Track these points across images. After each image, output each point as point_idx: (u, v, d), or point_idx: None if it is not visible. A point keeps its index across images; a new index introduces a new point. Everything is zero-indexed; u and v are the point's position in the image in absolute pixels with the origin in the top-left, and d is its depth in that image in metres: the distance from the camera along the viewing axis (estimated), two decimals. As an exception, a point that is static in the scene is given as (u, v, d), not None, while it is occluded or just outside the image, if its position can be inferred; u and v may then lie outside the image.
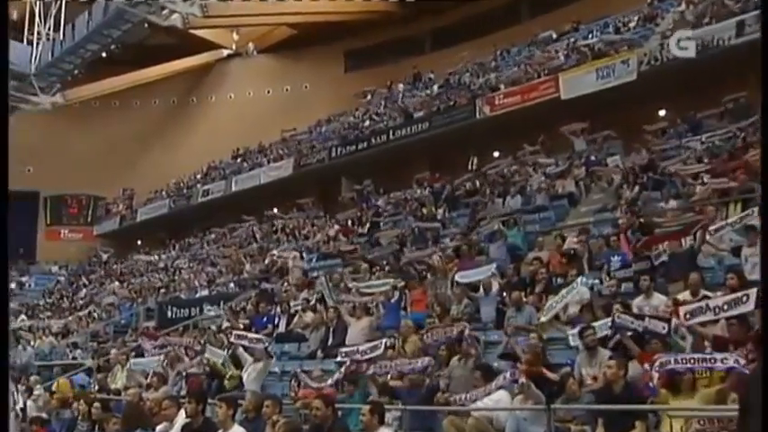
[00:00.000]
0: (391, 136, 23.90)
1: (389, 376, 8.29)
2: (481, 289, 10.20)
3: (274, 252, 18.59)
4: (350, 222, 18.69)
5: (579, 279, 8.51)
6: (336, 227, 18.77)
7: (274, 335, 12.36)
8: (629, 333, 7.00)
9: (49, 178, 37.61)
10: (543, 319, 8.55)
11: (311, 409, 6.51)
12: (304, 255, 17.65)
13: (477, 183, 17.08)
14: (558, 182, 14.85)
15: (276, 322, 12.72)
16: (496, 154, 20.77)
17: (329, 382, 8.80)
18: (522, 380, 6.82)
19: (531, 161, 16.54)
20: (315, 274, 14.51)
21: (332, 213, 22.27)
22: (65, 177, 37.48)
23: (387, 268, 12.88)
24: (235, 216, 25.60)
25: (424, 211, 16.51)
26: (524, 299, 9.18)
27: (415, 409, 7.37)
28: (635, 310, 7.56)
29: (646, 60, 16.93)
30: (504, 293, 9.78)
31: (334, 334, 10.78)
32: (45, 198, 39.80)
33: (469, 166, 19.99)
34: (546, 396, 6.70)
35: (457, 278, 10.41)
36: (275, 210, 24.19)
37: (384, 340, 8.68)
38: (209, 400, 7.10)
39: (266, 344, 10.43)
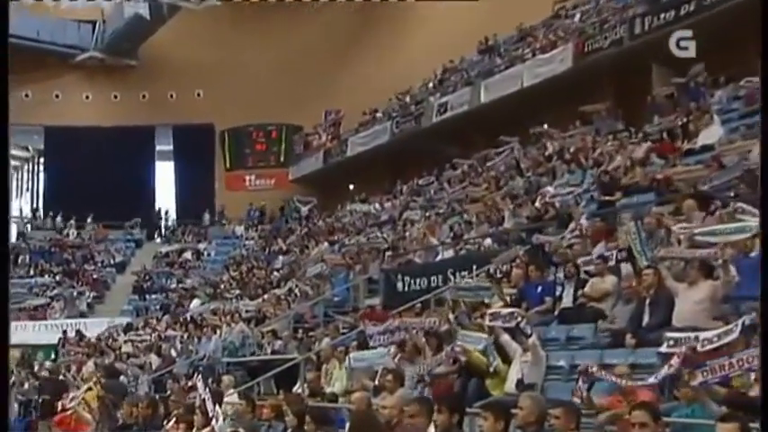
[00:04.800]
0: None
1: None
2: None
3: (549, 189, 18.40)
4: (667, 135, 17.95)
5: None
6: (646, 144, 18.15)
7: (556, 311, 12.47)
8: None
9: (225, 105, 40.78)
10: None
11: (628, 424, 6.58)
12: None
13: None
14: None
15: (558, 293, 12.74)
16: None
17: (650, 380, 8.72)
18: None
19: None
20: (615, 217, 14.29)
21: (637, 123, 21.56)
22: (246, 102, 40.47)
23: (734, 204, 12.12)
24: (487, 139, 25.68)
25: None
26: None
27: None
28: None
29: None
30: None
31: (653, 308, 10.58)
32: (222, 133, 43.23)
33: None
34: None
35: None
36: (546, 126, 23.88)
37: (742, 320, 8.36)
38: (468, 409, 7.42)
39: (519, 320, 10.71)
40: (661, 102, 22.06)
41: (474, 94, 30.33)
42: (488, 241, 18.20)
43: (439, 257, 19.11)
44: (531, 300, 12.91)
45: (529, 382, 10.23)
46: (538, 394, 8.93)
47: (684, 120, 18.35)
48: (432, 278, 17.26)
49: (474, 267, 16.05)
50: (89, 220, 42.73)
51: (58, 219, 43.26)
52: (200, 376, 12.34)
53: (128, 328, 29.49)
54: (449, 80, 33.62)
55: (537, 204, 18.01)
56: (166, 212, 44.56)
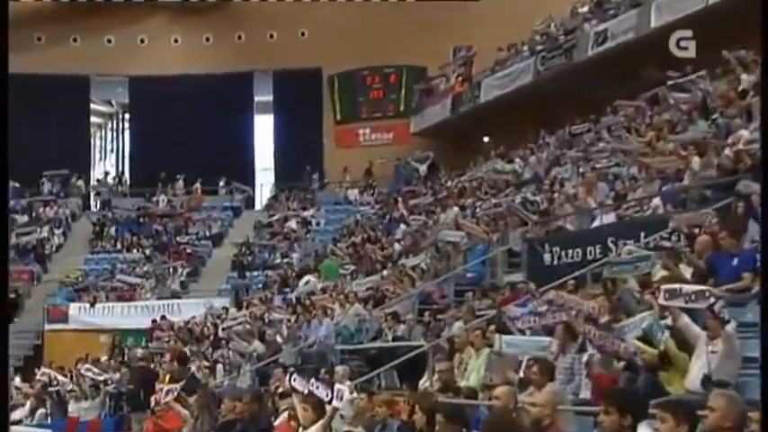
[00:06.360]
0: None
1: None
2: None
3: (743, 133, 17.53)
4: None
5: None
6: None
7: (754, 289, 11.66)
8: None
9: (334, 45, 40.75)
10: None
11: None
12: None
13: None
14: None
15: (755, 266, 11.91)
16: None
17: None
18: None
19: None
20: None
21: None
22: (359, 41, 40.50)
23: None
24: (658, 75, 24.94)
25: None
26: None
27: None
28: None
29: None
30: None
31: None
32: (331, 78, 43.29)
33: None
34: None
35: None
36: (743, 51, 22.67)
37: None
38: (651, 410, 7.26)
39: (712, 302, 10.22)
40: None
41: (642, 19, 29.38)
42: (656, 201, 17.71)
43: (596, 223, 18.82)
44: (722, 273, 12.25)
45: (718, 379, 9.86)
46: (734, 393, 8.60)
47: None
48: (587, 249, 17.04)
49: (642, 235, 15.68)
50: (181, 184, 43.19)
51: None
52: (294, 375, 12.07)
53: (230, 309, 29.80)
54: (609, 2, 32.60)
55: (727, 153, 17.18)
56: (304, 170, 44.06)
